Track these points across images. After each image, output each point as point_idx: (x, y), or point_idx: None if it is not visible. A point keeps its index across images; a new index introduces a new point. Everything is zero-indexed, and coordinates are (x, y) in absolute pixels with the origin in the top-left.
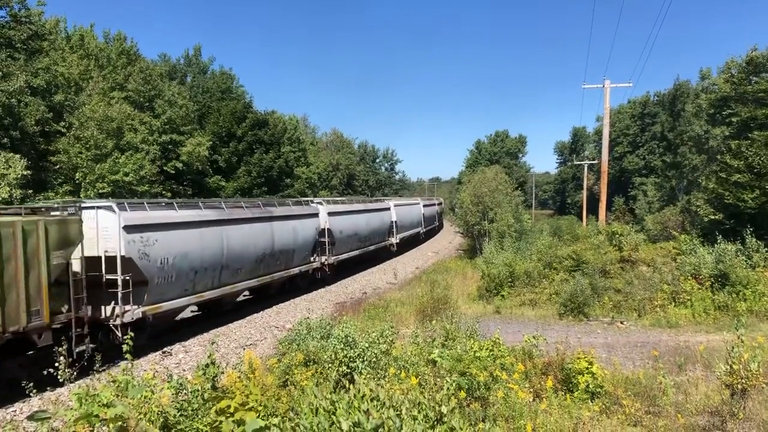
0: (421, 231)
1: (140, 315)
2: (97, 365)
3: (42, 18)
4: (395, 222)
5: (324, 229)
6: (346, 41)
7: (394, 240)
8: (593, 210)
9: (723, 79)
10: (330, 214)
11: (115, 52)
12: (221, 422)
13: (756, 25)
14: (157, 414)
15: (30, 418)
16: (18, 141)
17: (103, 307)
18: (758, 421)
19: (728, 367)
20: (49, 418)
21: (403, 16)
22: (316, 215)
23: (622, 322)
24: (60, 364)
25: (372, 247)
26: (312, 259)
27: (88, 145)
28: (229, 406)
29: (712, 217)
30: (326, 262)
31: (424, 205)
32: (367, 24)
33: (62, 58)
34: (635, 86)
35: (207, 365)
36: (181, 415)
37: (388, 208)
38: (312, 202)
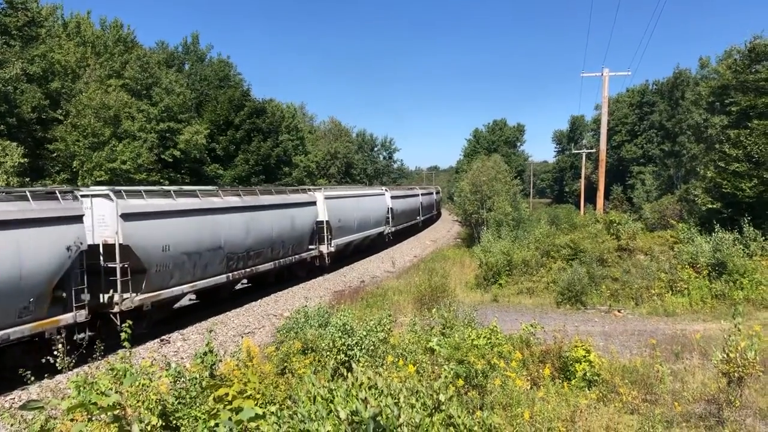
0: (387, 231)
1: None
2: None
3: (38, 5)
4: (327, 222)
5: (113, 246)
6: (346, 29)
7: (325, 249)
8: (591, 199)
9: (725, 66)
10: (125, 216)
11: (112, 39)
12: (219, 410)
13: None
14: (156, 402)
15: (23, 407)
16: (15, 128)
17: None
18: (755, 408)
19: (725, 355)
20: (43, 407)
21: (402, 5)
22: (73, 220)
23: (619, 311)
24: (58, 352)
25: (264, 267)
26: (44, 314)
27: (85, 133)
28: (227, 394)
29: (710, 205)
30: (123, 307)
31: (394, 197)
32: (366, 12)
33: (59, 46)
34: (634, 75)
35: (205, 353)
36: (179, 403)
37: (313, 202)
38: (67, 193)
